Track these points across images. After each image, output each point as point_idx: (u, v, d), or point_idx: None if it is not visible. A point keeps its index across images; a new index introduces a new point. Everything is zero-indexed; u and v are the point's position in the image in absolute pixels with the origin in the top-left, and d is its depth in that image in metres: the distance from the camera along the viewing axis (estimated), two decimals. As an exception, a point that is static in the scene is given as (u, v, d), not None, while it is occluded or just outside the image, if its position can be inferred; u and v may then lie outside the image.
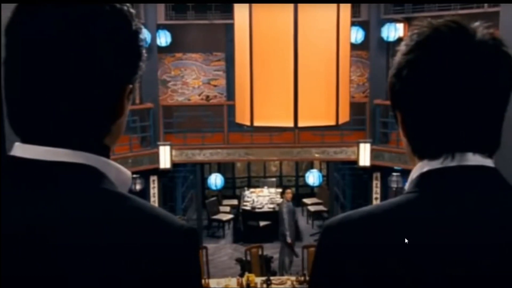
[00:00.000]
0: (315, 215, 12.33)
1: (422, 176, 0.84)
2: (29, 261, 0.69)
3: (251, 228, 11.33)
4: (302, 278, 6.98)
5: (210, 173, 12.46)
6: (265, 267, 8.26)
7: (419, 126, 0.85)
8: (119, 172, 0.79)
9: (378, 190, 9.60)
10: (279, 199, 12.23)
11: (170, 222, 0.75)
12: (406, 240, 0.78)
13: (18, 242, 0.70)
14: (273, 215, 11.40)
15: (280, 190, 13.19)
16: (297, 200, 12.47)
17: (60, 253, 0.69)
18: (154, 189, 9.55)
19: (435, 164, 0.84)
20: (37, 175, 0.74)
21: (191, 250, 0.75)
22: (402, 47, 0.88)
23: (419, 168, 0.86)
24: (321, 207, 12.57)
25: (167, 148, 9.31)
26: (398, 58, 0.88)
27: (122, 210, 0.73)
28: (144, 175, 9.17)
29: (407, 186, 0.87)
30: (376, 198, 9.56)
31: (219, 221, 12.00)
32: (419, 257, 0.78)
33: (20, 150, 0.76)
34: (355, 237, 0.81)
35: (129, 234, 0.71)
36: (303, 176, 13.28)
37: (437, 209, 0.80)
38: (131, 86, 0.81)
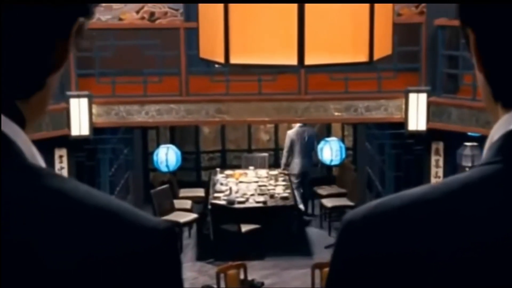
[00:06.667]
0: (334, 214, 12.43)
1: (508, 137, 0.86)
2: None
3: (227, 235, 11.43)
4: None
5: (157, 145, 12.48)
6: (251, 301, 8.38)
7: (503, 52, 0.86)
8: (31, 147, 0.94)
9: (441, 171, 9.70)
10: (272, 187, 12.28)
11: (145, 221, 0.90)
12: (471, 243, 0.80)
13: None
14: (263, 214, 11.46)
15: (275, 172, 13.26)
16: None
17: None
18: (62, 171, 9.56)
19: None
20: None
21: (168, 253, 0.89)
22: None
23: (504, 123, 0.87)
24: (343, 201, 12.66)
25: (84, 101, 9.31)
26: None
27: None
28: (45, 148, 9.15)
29: (484, 153, 0.89)
30: (437, 185, 9.65)
31: (174, 224, 12.09)
32: (490, 269, 0.79)
33: None
34: (389, 237, 0.84)
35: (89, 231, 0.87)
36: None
37: None
38: None
